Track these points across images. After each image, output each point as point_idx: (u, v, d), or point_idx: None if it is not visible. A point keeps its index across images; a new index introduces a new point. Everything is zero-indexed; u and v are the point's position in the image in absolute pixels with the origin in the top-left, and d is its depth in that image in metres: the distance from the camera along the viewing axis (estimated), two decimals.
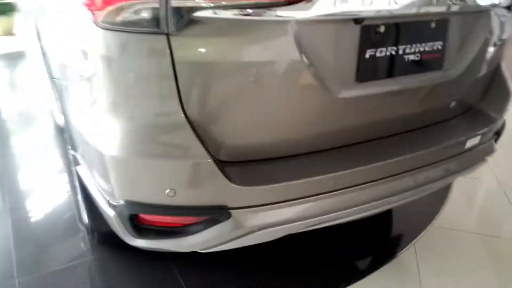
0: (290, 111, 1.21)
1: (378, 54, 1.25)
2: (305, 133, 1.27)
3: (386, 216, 2.21)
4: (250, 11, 1.03)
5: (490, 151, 1.73)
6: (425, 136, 1.50)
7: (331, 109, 1.26)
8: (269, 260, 1.84)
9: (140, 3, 1.00)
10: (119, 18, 1.02)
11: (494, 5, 1.48)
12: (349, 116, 1.32)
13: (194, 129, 1.10)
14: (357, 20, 1.15)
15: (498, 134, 1.73)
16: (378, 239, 2.09)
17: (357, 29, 1.18)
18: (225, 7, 1.02)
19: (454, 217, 2.26)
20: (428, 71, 1.39)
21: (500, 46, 1.65)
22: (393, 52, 1.28)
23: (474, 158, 1.65)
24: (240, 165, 1.20)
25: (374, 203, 1.37)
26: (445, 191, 2.43)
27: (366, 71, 1.25)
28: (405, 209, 2.20)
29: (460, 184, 2.48)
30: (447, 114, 1.62)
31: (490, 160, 1.77)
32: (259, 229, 1.23)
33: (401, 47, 1.29)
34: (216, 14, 1.02)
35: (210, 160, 1.09)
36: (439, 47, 1.37)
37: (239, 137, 1.19)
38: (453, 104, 1.61)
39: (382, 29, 1.22)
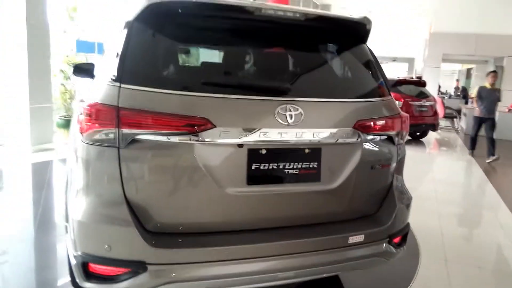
0: (197, 201, 1.81)
1: (262, 167, 1.87)
2: (210, 217, 1.85)
3: None
4: (165, 137, 1.72)
5: (386, 254, 2.15)
6: (314, 230, 2.00)
7: (228, 202, 1.85)
8: None
9: (104, 130, 1.72)
10: (92, 138, 1.74)
11: (367, 139, 2.09)
12: (243, 209, 1.89)
13: (129, 206, 1.73)
14: (239, 145, 1.81)
15: (390, 237, 2.17)
16: None
17: (245, 150, 1.83)
18: (153, 134, 1.72)
19: None
20: (307, 182, 1.97)
21: (384, 170, 2.20)
22: (275, 167, 1.89)
23: (363, 254, 2.08)
24: (160, 235, 1.78)
25: (260, 276, 1.85)
26: None
27: (253, 178, 1.86)
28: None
29: None
30: (340, 217, 2.12)
31: None
32: (170, 282, 1.74)
33: (281, 164, 1.90)
34: (148, 137, 1.72)
35: (134, 228, 1.69)
36: (315, 165, 1.97)
37: (162, 215, 1.79)
38: (344, 209, 2.12)
39: (263, 151, 1.86)
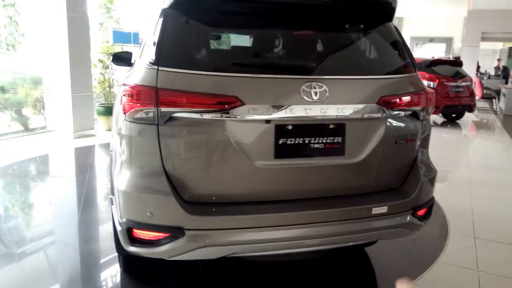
0: (229, 173, 1.97)
1: (288, 142, 2.00)
2: (241, 188, 2.01)
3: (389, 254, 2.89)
4: (201, 114, 1.88)
5: (410, 225, 2.25)
6: (338, 202, 2.12)
7: (257, 174, 1.99)
8: None
9: (145, 109, 1.90)
10: (134, 116, 1.93)
11: (392, 115, 2.17)
12: (272, 181, 2.03)
13: (168, 177, 1.91)
14: (267, 121, 1.94)
15: (414, 210, 2.26)
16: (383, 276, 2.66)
17: (272, 125, 1.96)
18: (188, 112, 1.88)
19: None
20: (332, 156, 2.08)
21: (408, 144, 2.28)
22: (300, 142, 2.02)
23: (387, 225, 2.19)
24: (196, 204, 1.96)
25: (287, 242, 2.00)
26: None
27: (280, 152, 1.99)
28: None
29: None
30: (365, 189, 2.23)
31: None
32: (205, 246, 1.92)
33: (306, 139, 2.02)
34: (183, 115, 1.89)
35: (173, 197, 1.87)
36: (339, 140, 2.08)
37: (197, 187, 1.96)
38: (369, 182, 2.22)
39: (290, 127, 1.99)
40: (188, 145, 1.93)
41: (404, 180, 2.32)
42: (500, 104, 12.93)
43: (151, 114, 1.89)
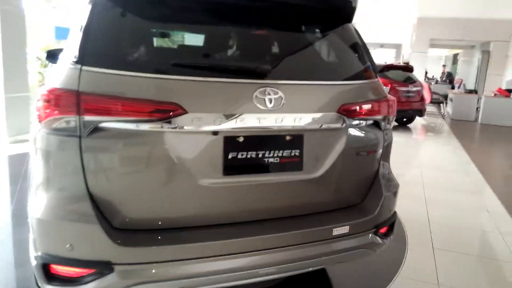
0: (169, 194, 1.67)
1: (239, 156, 1.73)
2: (183, 212, 1.71)
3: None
4: (134, 124, 1.57)
5: (372, 245, 2.05)
6: (296, 223, 1.88)
7: (203, 195, 1.71)
8: None
9: (64, 117, 1.56)
10: (51, 126, 1.58)
11: (353, 125, 1.96)
12: (220, 202, 1.75)
13: (93, 201, 1.58)
14: (214, 132, 1.66)
15: (376, 228, 2.06)
16: None
17: (220, 138, 1.68)
18: (117, 121, 1.56)
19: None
20: (289, 171, 1.84)
21: (370, 157, 2.08)
22: (253, 156, 1.75)
23: (348, 247, 1.97)
24: (128, 232, 1.64)
25: (239, 273, 1.72)
26: None
27: (230, 168, 1.72)
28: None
29: None
30: (324, 207, 2.00)
31: None
32: (140, 283, 1.61)
33: (260, 152, 1.76)
34: (112, 125, 1.56)
35: (98, 225, 1.54)
36: (297, 153, 1.84)
37: (130, 211, 1.65)
38: (329, 199, 2.00)
39: (241, 139, 1.72)
40: (118, 161, 1.60)
41: (365, 196, 2.12)
42: (448, 108, 13.41)
43: (71, 124, 1.55)
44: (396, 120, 10.56)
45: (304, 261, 1.86)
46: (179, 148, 1.63)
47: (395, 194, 2.21)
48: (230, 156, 1.71)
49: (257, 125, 1.72)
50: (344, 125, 1.92)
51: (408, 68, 10.55)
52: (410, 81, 10.18)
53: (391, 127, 2.26)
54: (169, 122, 1.59)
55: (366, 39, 2.26)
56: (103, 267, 1.56)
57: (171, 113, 1.59)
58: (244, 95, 1.70)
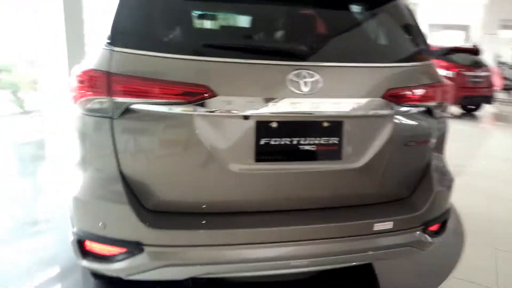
0: (199, 179, 1.62)
1: (272, 143, 1.63)
2: (213, 197, 1.66)
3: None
4: (163, 107, 1.53)
5: (419, 243, 1.88)
6: (332, 215, 1.76)
7: (234, 181, 1.64)
8: None
9: (96, 98, 1.55)
10: (85, 107, 1.58)
11: (400, 112, 1.79)
12: (252, 189, 1.68)
13: (125, 182, 1.57)
14: (246, 117, 1.57)
15: (425, 225, 1.89)
16: None
17: (252, 122, 1.59)
18: (147, 103, 1.53)
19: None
20: (326, 160, 1.71)
21: (420, 147, 1.89)
22: (288, 142, 1.65)
23: (392, 244, 1.82)
24: (160, 214, 1.61)
25: (269, 263, 1.65)
26: None
27: (262, 154, 1.63)
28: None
29: None
30: (366, 200, 1.86)
31: None
32: (170, 265, 1.58)
33: (295, 139, 1.65)
34: (142, 107, 1.53)
35: (128, 206, 1.53)
36: (335, 141, 1.70)
37: (162, 193, 1.62)
38: (370, 192, 1.86)
39: (274, 125, 1.62)
40: (148, 143, 1.58)
41: (414, 190, 1.94)
42: None
43: (104, 105, 1.54)
44: (462, 108, 9.89)
45: (339, 256, 1.75)
46: (209, 132, 1.57)
47: (449, 189, 2.01)
48: (262, 142, 1.62)
49: (291, 110, 1.61)
50: (390, 112, 1.75)
51: (476, 51, 9.77)
52: (478, 65, 9.43)
53: (447, 115, 2.05)
54: (198, 105, 1.53)
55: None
56: (133, 247, 1.55)
57: (200, 96, 1.52)
58: (277, 78, 1.59)
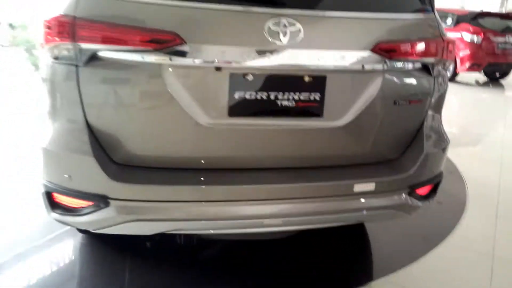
0: (168, 132, 1.57)
1: (247, 97, 1.55)
2: (184, 152, 1.61)
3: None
4: (129, 54, 1.45)
5: (404, 207, 1.81)
6: (309, 174, 1.69)
7: (205, 136, 1.58)
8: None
9: (61, 44, 1.49)
10: (52, 54, 1.53)
11: (393, 67, 1.66)
12: (224, 145, 1.62)
13: (92, 132, 1.53)
14: (217, 68, 1.49)
15: (411, 188, 1.80)
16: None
17: (225, 74, 1.51)
18: (114, 50, 1.46)
19: None
20: (306, 117, 1.63)
21: (412, 107, 1.78)
22: (264, 97, 1.56)
23: (374, 206, 1.75)
24: (128, 167, 1.58)
25: (241, 221, 1.61)
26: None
27: (236, 108, 1.56)
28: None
29: None
30: (349, 160, 1.78)
31: None
32: (137, 220, 1.56)
33: (272, 94, 1.57)
34: (109, 54, 1.47)
35: (93, 158, 1.50)
36: (317, 97, 1.61)
37: (129, 147, 1.57)
38: (354, 152, 1.77)
39: (249, 77, 1.53)
40: (115, 93, 1.51)
41: (403, 152, 1.85)
42: None
43: (70, 52, 1.48)
44: (486, 74, 9.46)
45: (313, 216, 1.69)
46: (178, 83, 1.49)
47: (443, 152, 1.90)
48: (236, 96, 1.54)
49: (269, 63, 1.51)
50: (380, 67, 1.63)
51: (508, 16, 9.20)
52: (509, 31, 8.88)
53: (446, 73, 1.91)
54: (166, 53, 1.45)
55: None
56: (99, 201, 1.53)
57: (168, 44, 1.44)
58: (253, 26, 1.49)
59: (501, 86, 9.17)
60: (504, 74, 9.51)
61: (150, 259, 2.17)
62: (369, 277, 2.15)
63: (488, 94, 8.11)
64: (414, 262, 2.29)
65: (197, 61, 1.47)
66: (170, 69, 1.47)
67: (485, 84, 9.13)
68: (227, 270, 2.13)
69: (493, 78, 9.49)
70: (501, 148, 4.63)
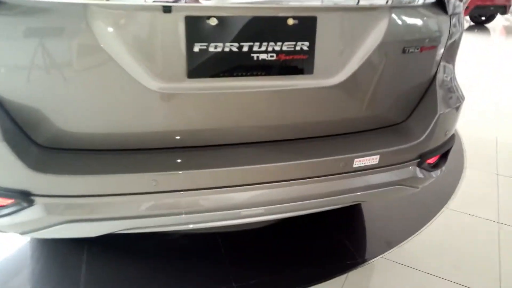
0: (108, 102, 1.16)
1: (212, 49, 1.14)
2: (131, 128, 1.21)
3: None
4: None
5: (413, 180, 1.49)
6: (300, 148, 1.33)
7: (158, 105, 1.18)
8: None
9: None
10: None
11: (399, 3, 1.27)
12: (184, 116, 1.22)
13: (1, 106, 1.11)
14: (166, 9, 1.06)
15: (422, 157, 1.47)
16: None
17: (179, 18, 1.09)
18: None
19: None
20: (291, 75, 1.24)
21: (424, 55, 1.41)
22: (235, 49, 1.16)
23: (378, 183, 1.42)
24: (57, 154, 1.18)
25: (210, 214, 1.25)
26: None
27: (198, 67, 1.15)
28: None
29: None
30: (346, 128, 1.42)
31: None
32: (73, 221, 1.19)
33: (246, 44, 1.16)
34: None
35: (4, 143, 1.08)
36: (305, 47, 1.21)
37: (58, 124, 1.17)
38: (353, 116, 1.41)
39: (213, 22, 1.11)
40: (29, 50, 1.07)
41: (410, 112, 1.49)
42: None
43: None
44: (471, 19, 9.08)
45: (303, 202, 1.35)
46: (113, 34, 1.07)
47: (457, 110, 1.56)
48: (196, 49, 1.13)
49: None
50: (385, 2, 1.24)
51: None
52: None
53: (462, 12, 1.53)
54: None
55: None
56: (20, 198, 1.14)
57: None
58: None
59: (486, 30, 8.83)
60: (489, 18, 9.15)
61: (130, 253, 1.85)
62: (367, 255, 1.88)
63: (473, 38, 7.76)
64: (413, 236, 2.02)
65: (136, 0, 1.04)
66: (99, 13, 1.04)
67: (470, 29, 8.76)
68: (218, 259, 1.82)
69: (478, 22, 9.12)
70: (495, 101, 4.35)
